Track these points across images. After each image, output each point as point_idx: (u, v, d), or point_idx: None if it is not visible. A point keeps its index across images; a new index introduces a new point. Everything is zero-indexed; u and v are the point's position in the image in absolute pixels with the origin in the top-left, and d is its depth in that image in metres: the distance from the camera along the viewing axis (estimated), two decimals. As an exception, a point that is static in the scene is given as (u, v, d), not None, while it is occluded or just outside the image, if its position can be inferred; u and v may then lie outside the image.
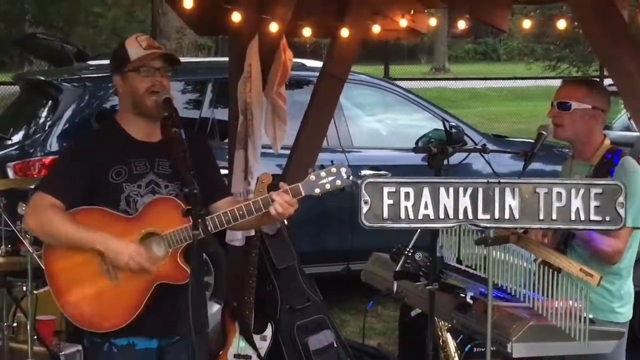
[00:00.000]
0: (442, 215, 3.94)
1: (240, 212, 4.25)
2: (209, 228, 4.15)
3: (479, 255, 4.55)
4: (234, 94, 6.70)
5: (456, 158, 4.95)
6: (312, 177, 4.22)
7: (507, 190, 3.93)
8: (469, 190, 3.94)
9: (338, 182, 4.18)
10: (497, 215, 3.94)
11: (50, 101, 8.78)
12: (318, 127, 7.20)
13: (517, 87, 27.87)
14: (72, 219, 4.29)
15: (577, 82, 5.16)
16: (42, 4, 19.88)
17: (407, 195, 3.94)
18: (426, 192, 3.94)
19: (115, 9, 21.26)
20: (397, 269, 4.58)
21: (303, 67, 9.18)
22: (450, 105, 15.87)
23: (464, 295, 4.38)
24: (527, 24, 6.74)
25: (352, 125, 9.44)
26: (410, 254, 4.52)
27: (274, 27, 6.39)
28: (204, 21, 6.75)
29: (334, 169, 4.21)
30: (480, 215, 3.94)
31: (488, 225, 3.96)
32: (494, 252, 4.18)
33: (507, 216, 3.94)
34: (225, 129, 7.61)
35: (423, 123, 9.70)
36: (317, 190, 4.21)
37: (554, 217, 3.93)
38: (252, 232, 6.48)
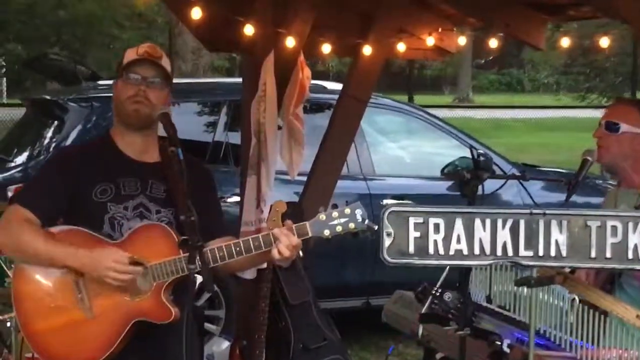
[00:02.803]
0: (477, 251, 3.37)
1: (237, 249, 3.74)
2: (207, 262, 3.62)
3: (513, 294, 3.99)
4: (247, 114, 6.17)
5: (488, 187, 4.38)
6: (323, 216, 3.72)
7: (554, 223, 3.35)
8: (509, 222, 3.36)
9: (351, 225, 3.70)
10: (541, 252, 3.36)
11: (55, 121, 8.29)
12: (337, 151, 6.66)
13: (542, 118, 27.40)
14: (45, 235, 3.80)
15: (630, 102, 4.62)
16: (57, 25, 19.59)
17: (436, 227, 3.38)
18: (459, 223, 3.37)
19: (131, 32, 20.94)
20: (423, 311, 3.99)
21: (324, 90, 8.65)
22: (475, 136, 15.34)
23: (499, 343, 3.79)
24: (565, 42, 6.17)
25: (374, 151, 8.88)
26: (438, 294, 3.94)
27: (290, 42, 5.86)
28: (216, 36, 6.22)
29: (347, 210, 3.71)
30: (522, 252, 3.36)
31: (531, 263, 3.38)
32: (536, 293, 3.60)
33: (553, 253, 3.35)
34: (240, 154, 7.06)
35: (449, 150, 9.11)
36: (327, 232, 3.71)
37: (608, 254, 3.34)
38: (265, 265, 5.93)
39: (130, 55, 3.98)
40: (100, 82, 9.13)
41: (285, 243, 3.70)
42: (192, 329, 3.76)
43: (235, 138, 8.05)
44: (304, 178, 6.67)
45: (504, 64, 45.49)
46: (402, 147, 9.75)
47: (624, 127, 4.37)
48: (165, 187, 3.89)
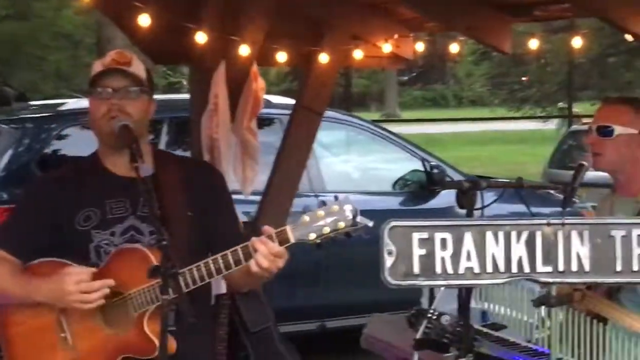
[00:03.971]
0: (489, 269, 2.99)
1: (216, 266, 3.29)
2: (180, 290, 3.17)
3: (516, 313, 3.63)
4: (197, 130, 5.72)
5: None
6: (306, 217, 3.22)
7: (574, 234, 2.98)
8: (524, 235, 2.99)
9: (340, 224, 3.18)
10: (561, 267, 2.98)
11: (-14, 144, 7.72)
12: (294, 167, 6.25)
13: (472, 132, 27.29)
14: (16, 272, 3.39)
15: (620, 101, 4.23)
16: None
17: (443, 242, 2.99)
18: (468, 238, 2.98)
19: (58, 53, 20.34)
20: (418, 336, 3.58)
21: (269, 104, 8.19)
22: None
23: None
24: (534, 43, 5.84)
25: (323, 167, 8.46)
26: (435, 317, 3.53)
27: (244, 51, 5.43)
28: (162, 46, 5.74)
29: (335, 207, 3.20)
30: (540, 268, 2.99)
31: (550, 280, 3.00)
32: (556, 314, 3.21)
33: (574, 268, 2.98)
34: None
35: (401, 164, 8.79)
36: (313, 235, 3.21)
37: (635, 267, 2.98)
38: (223, 290, 5.47)
39: (96, 67, 3.53)
40: (32, 103, 8.61)
41: (264, 252, 3.23)
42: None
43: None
44: (258, 197, 6.24)
45: (428, 80, 45.60)
46: (352, 161, 9.37)
47: (617, 129, 4.02)
48: (160, 203, 3.43)
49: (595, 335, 3.47)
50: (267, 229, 3.27)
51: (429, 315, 3.56)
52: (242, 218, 6.51)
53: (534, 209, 7.75)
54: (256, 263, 3.23)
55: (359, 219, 3.17)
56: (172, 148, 7.92)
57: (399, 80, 42.37)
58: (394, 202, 8.44)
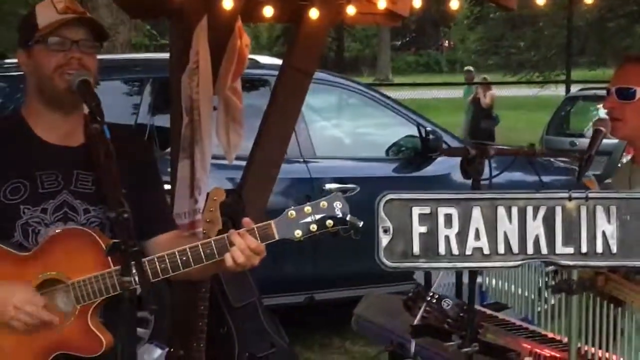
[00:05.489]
0: (501, 249, 2.57)
1: (184, 258, 2.91)
2: (146, 273, 2.76)
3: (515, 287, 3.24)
4: (177, 90, 5.29)
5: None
6: (292, 212, 2.90)
7: (599, 210, 2.56)
8: (542, 211, 2.57)
9: (329, 222, 2.86)
10: (584, 249, 2.57)
11: (-44, 105, 7.30)
12: (281, 131, 5.81)
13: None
14: None
15: None
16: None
17: (448, 218, 2.58)
18: (477, 213, 2.57)
19: (39, 9, 19.87)
20: (416, 322, 3.17)
21: (257, 65, 7.76)
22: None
23: (520, 363, 3.00)
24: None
25: (313, 132, 8.03)
26: (434, 301, 3.12)
27: (227, 4, 4.99)
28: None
29: (324, 203, 2.87)
30: (560, 249, 2.57)
31: (572, 263, 2.58)
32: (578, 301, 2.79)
33: (599, 249, 2.57)
34: (166, 136, 6.15)
35: (395, 128, 8.37)
36: (299, 233, 2.89)
37: (671, 249, 2.57)
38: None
39: (45, 13, 3.05)
40: (8, 61, 8.14)
41: (241, 246, 2.88)
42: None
43: (161, 120, 7.18)
44: (242, 163, 5.84)
45: (422, 44, 45.22)
46: (343, 126, 8.96)
47: None
48: (94, 176, 3.01)
49: (612, 320, 3.08)
50: (248, 221, 2.92)
51: (428, 298, 3.14)
52: (226, 185, 6.15)
53: (529, 178, 7.45)
54: (231, 257, 2.86)
55: (349, 218, 2.80)
56: (155, 109, 7.51)
57: (392, 45, 42.04)
58: (387, 169, 8.04)
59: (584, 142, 14.13)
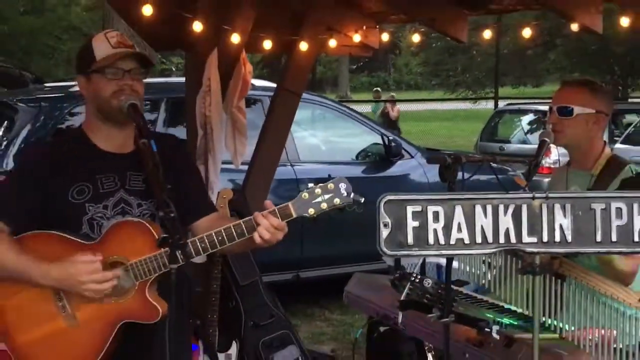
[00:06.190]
0: (479, 239, 2.58)
1: (220, 238, 2.87)
2: (190, 258, 2.75)
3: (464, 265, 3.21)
4: (192, 109, 5.26)
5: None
6: (305, 194, 2.86)
7: (557, 207, 2.58)
8: (511, 208, 2.58)
9: (336, 200, 2.83)
10: (545, 238, 2.58)
11: (5, 121, 7.16)
12: (277, 141, 5.80)
13: (410, 111, 26.96)
14: (13, 245, 2.88)
15: (578, 83, 3.78)
16: (0, 37, 18.24)
17: (436, 215, 2.57)
18: (459, 211, 2.57)
19: (70, 43, 19.72)
20: (403, 298, 3.17)
21: (252, 87, 7.71)
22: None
23: (489, 330, 3.00)
24: (487, 34, 5.41)
25: (298, 141, 8.01)
26: (417, 280, 3.12)
27: (235, 39, 4.97)
28: (161, 35, 5.24)
29: (331, 185, 2.85)
30: (526, 238, 2.58)
31: (535, 250, 2.60)
32: (540, 280, 2.79)
33: (557, 238, 2.58)
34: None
35: (361, 138, 8.38)
36: (312, 211, 2.84)
37: (614, 238, 2.58)
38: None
39: (101, 47, 3.01)
40: (47, 85, 8.06)
41: (266, 225, 2.85)
42: (179, 325, 2.91)
43: (173, 132, 7.11)
44: (245, 167, 5.79)
45: (374, 68, 45.24)
46: (320, 136, 8.93)
47: (576, 109, 3.59)
48: (143, 177, 2.99)
49: (559, 293, 3.08)
50: (269, 203, 2.89)
51: (412, 278, 3.14)
52: (230, 186, 6.13)
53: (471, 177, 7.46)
54: (259, 236, 2.84)
55: (352, 195, 2.80)
56: (169, 124, 7.46)
57: (349, 68, 42.01)
58: (357, 171, 8.05)
59: (509, 147, 14.32)
